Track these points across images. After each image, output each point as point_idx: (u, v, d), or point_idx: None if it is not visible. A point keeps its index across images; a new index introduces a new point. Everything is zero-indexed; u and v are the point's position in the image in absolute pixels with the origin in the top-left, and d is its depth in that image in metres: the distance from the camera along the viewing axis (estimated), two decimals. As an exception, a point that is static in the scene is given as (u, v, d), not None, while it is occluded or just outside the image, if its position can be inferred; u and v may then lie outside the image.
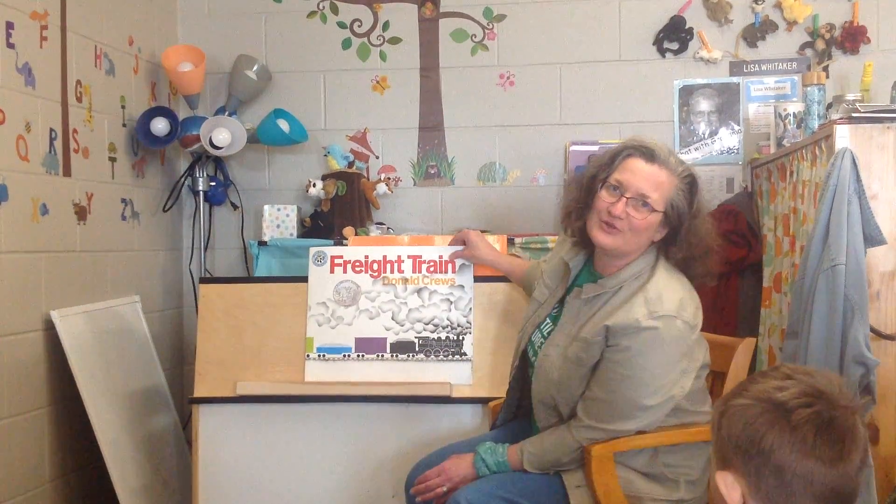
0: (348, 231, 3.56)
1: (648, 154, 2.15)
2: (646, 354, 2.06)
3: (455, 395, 2.72)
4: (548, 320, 2.31)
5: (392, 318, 2.82)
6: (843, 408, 1.25)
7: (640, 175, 2.13)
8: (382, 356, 2.79)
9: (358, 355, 2.79)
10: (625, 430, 2.12)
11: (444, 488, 2.24)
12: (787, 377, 1.28)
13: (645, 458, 2.16)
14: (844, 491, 1.24)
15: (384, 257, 2.86)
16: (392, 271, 2.85)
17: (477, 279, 2.84)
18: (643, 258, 2.18)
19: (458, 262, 2.85)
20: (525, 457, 2.20)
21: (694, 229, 2.16)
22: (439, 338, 2.79)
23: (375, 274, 2.85)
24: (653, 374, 2.07)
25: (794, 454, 1.22)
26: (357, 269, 2.86)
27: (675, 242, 2.16)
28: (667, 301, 2.08)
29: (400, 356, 2.78)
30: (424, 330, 2.80)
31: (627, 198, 2.12)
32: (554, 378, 2.19)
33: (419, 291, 2.83)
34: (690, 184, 2.16)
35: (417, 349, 2.78)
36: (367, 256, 2.86)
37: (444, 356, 2.77)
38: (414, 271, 2.84)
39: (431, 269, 2.85)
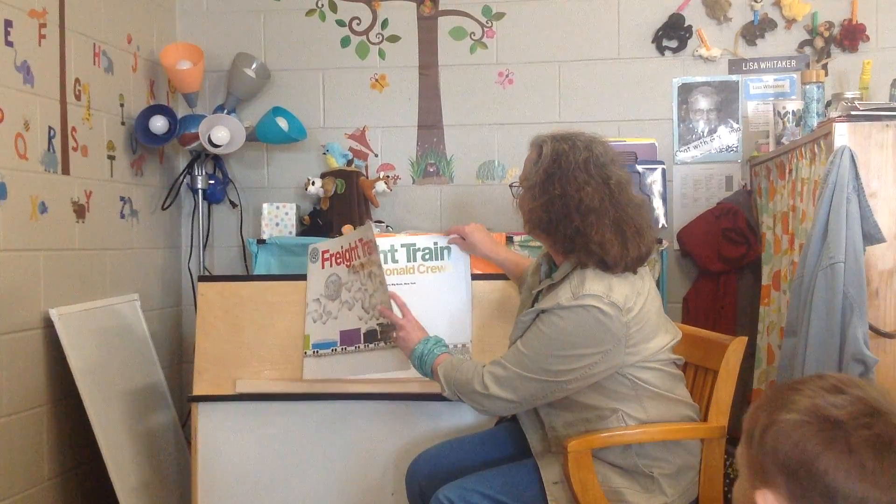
0: (347, 229, 3.54)
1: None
2: (566, 320, 2.07)
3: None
4: None
5: (361, 307, 2.72)
6: None
7: None
8: (358, 347, 2.71)
9: (342, 348, 2.75)
10: (527, 378, 2.09)
11: (394, 333, 2.45)
12: (837, 390, 1.17)
13: (617, 452, 2.16)
14: None
15: (349, 244, 2.76)
16: (357, 258, 2.74)
17: (475, 277, 2.84)
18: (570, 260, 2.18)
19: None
20: (444, 362, 2.26)
21: (565, 202, 2.11)
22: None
23: (349, 263, 2.78)
24: (567, 340, 2.06)
25: (850, 478, 1.12)
26: (338, 260, 2.81)
27: (559, 221, 2.13)
28: (590, 284, 2.07)
29: (369, 346, 2.68)
30: (381, 316, 2.63)
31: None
32: None
33: (370, 276, 2.69)
34: (539, 153, 2.20)
35: (378, 336, 2.67)
36: (342, 247, 2.81)
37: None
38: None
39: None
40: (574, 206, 2.10)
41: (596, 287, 2.07)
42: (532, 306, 2.24)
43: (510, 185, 2.36)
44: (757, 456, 1.20)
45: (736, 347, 2.28)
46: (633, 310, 2.09)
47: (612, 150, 2.21)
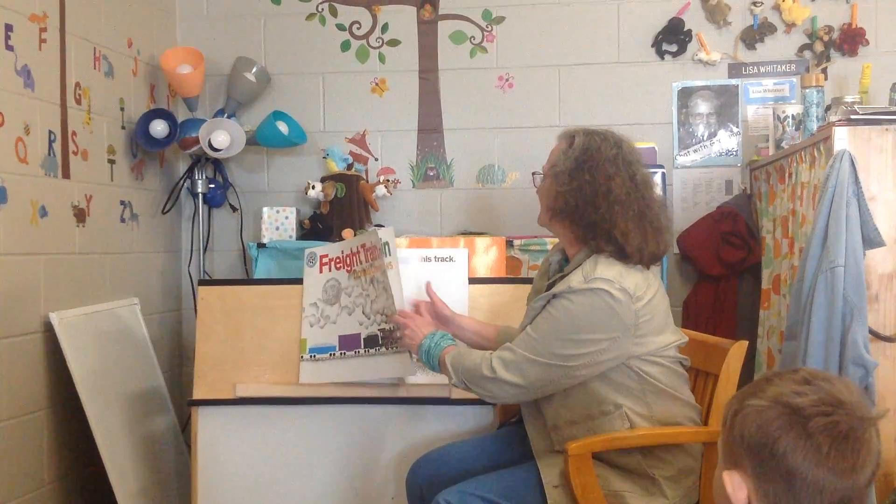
0: (347, 233, 3.56)
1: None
2: (576, 304, 2.09)
3: (454, 396, 2.72)
4: None
5: (362, 312, 2.72)
6: (861, 419, 1.22)
7: None
8: (358, 352, 2.71)
9: (341, 353, 2.75)
10: (535, 361, 2.11)
11: (398, 334, 2.49)
12: (805, 382, 1.25)
13: (617, 452, 2.16)
14: (852, 502, 1.22)
15: (350, 249, 2.75)
16: (359, 263, 2.73)
17: (472, 280, 2.83)
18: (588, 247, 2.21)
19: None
20: (452, 353, 2.28)
21: (595, 190, 2.15)
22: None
23: (349, 269, 2.78)
24: (576, 324, 2.09)
25: (807, 462, 1.20)
26: (338, 265, 2.81)
27: (585, 208, 2.16)
28: (602, 269, 2.11)
29: (370, 351, 2.69)
30: (384, 322, 2.65)
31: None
32: None
33: (373, 281, 2.68)
34: (570, 143, 2.23)
35: (380, 342, 2.66)
36: (342, 252, 2.81)
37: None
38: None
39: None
40: (602, 194, 2.15)
41: (607, 272, 2.09)
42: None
43: (533, 174, 2.39)
44: (727, 440, 1.29)
45: (736, 351, 2.28)
46: (642, 298, 2.11)
47: (638, 151, 2.27)
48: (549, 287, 2.26)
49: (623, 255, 2.14)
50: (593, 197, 2.15)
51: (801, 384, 1.25)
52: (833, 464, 1.20)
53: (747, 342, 2.32)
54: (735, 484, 1.25)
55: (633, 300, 2.09)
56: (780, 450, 1.21)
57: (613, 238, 2.13)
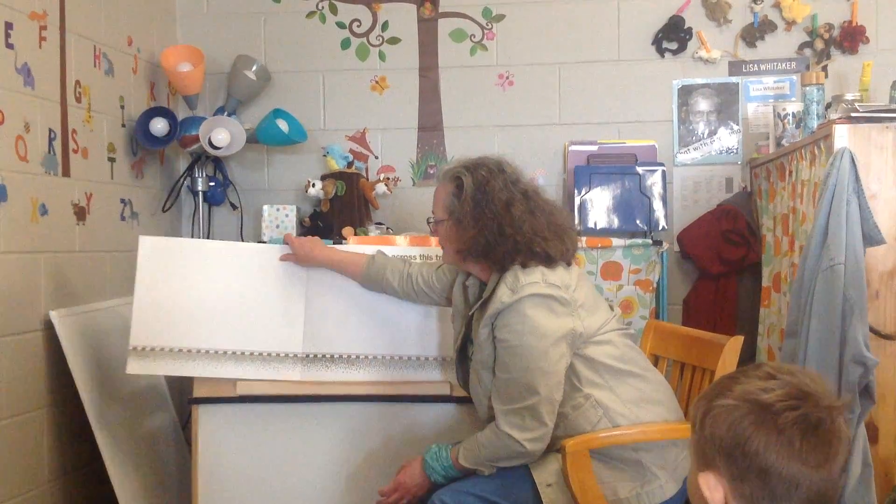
0: (347, 231, 3.56)
1: (437, 179, 2.40)
2: (523, 321, 2.15)
3: (455, 393, 2.72)
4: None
5: None
6: (829, 408, 1.23)
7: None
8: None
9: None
10: (538, 397, 2.14)
11: (405, 501, 2.35)
12: (770, 377, 1.26)
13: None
14: (828, 493, 1.22)
15: None
16: None
17: None
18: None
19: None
20: (462, 453, 2.25)
21: (500, 223, 2.21)
22: None
23: None
24: (536, 332, 2.13)
25: (781, 457, 1.20)
26: None
27: (496, 241, 2.22)
28: (523, 276, 2.18)
29: None
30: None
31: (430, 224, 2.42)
32: (480, 395, 2.30)
33: None
34: (458, 185, 2.29)
35: None
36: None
37: None
38: None
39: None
40: (508, 224, 2.22)
41: (530, 277, 2.18)
42: (466, 329, 2.36)
43: (427, 221, 2.45)
44: (699, 441, 1.29)
45: (732, 346, 2.29)
46: (570, 286, 2.20)
47: (515, 166, 2.37)
48: (472, 317, 2.32)
49: (549, 260, 2.21)
50: (500, 229, 2.21)
51: (766, 380, 1.25)
52: (806, 456, 1.20)
53: (742, 337, 2.33)
54: (710, 485, 1.25)
55: (563, 289, 2.17)
56: (753, 448, 1.21)
57: (536, 252, 2.20)
